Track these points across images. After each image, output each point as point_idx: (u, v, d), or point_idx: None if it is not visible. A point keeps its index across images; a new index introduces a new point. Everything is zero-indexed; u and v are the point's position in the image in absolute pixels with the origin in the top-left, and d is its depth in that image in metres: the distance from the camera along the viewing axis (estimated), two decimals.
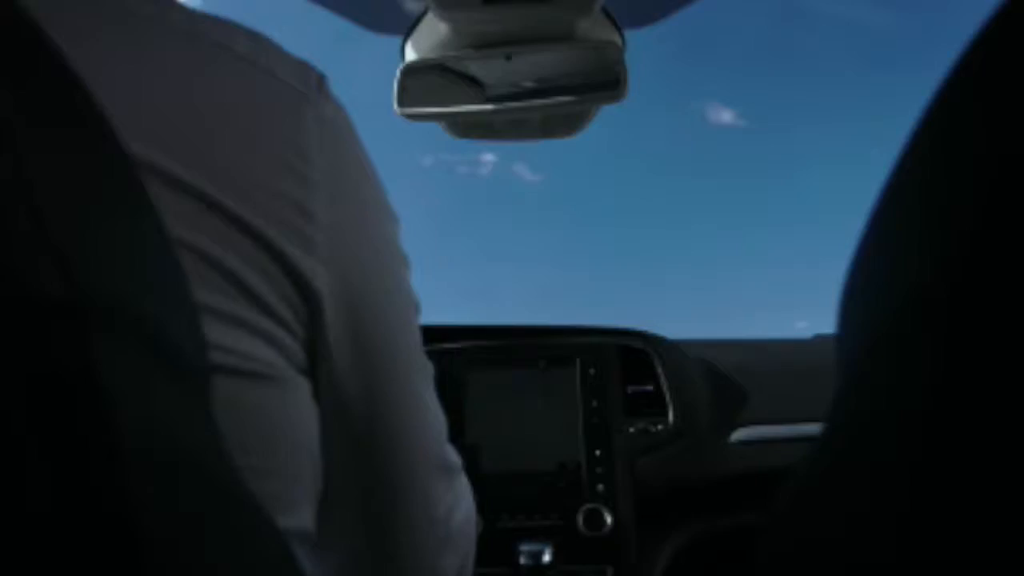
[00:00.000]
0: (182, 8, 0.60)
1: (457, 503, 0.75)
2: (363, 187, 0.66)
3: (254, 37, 0.62)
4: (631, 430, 1.71)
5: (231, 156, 0.56)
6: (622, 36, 1.51)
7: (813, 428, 1.45)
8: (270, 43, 0.63)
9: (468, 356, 1.79)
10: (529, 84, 1.48)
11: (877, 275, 0.33)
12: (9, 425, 0.31)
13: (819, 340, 2.02)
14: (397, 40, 1.57)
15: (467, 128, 1.59)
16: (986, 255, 0.27)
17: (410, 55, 1.52)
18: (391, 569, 0.70)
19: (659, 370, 1.78)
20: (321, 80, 0.64)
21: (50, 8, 0.50)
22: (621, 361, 1.77)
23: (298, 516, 0.61)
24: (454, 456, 0.77)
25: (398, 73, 1.45)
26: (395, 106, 1.45)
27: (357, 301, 0.64)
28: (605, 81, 1.44)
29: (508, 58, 1.44)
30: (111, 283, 0.36)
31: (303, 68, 0.63)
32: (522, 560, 1.53)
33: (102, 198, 0.39)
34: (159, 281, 0.41)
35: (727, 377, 1.85)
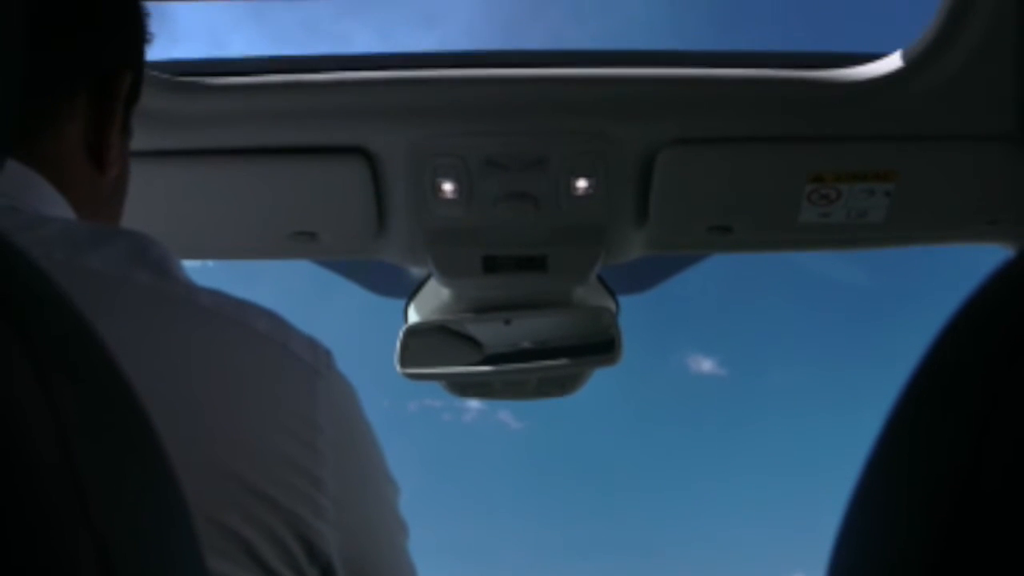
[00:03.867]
0: (208, 291, 0.65)
1: None
2: (368, 457, 0.70)
3: (270, 316, 0.67)
4: None
5: (248, 427, 0.60)
6: (616, 302, 1.59)
7: None
8: (284, 321, 0.68)
9: None
10: (527, 346, 1.54)
11: (861, 555, 0.36)
12: None
13: None
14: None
15: (465, 387, 1.64)
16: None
17: (413, 317, 1.59)
18: None
19: None
20: (329, 356, 0.69)
21: (88, 289, 0.55)
22: None
23: None
24: None
25: (401, 334, 1.51)
26: (397, 366, 1.50)
27: (362, 563, 0.66)
28: (600, 344, 1.50)
29: (507, 322, 1.51)
30: (141, 567, 0.39)
31: (313, 345, 0.68)
32: None
33: (138, 481, 0.41)
34: (180, 558, 0.43)
35: None
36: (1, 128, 0.47)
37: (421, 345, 1.53)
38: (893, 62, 1.19)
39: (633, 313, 1.60)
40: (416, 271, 1.55)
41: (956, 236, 1.46)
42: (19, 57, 0.48)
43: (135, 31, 0.77)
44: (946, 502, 0.31)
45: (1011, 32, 1.10)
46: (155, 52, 0.81)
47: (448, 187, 1.29)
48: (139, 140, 0.81)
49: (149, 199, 0.92)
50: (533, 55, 1.31)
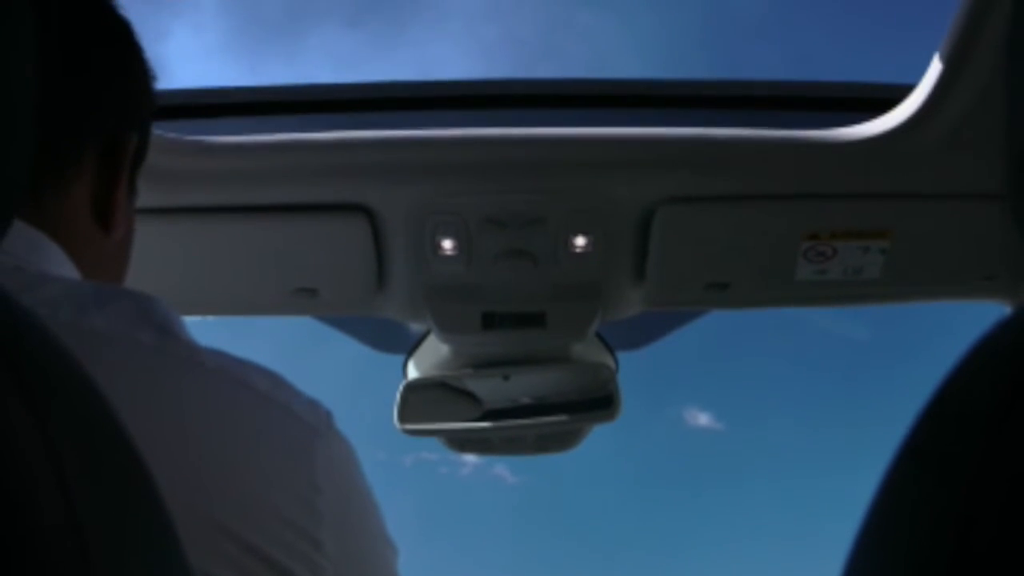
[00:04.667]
0: (210, 351, 0.65)
1: None
2: (367, 519, 0.71)
3: (272, 376, 0.67)
4: None
5: (248, 486, 0.60)
6: (615, 358, 1.59)
7: None
8: (285, 381, 0.68)
9: None
10: (526, 402, 1.54)
11: None
12: None
13: None
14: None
15: (464, 443, 1.64)
16: None
17: (412, 373, 1.59)
18: None
19: None
20: (329, 417, 0.69)
21: (92, 349, 0.56)
22: None
23: None
24: None
25: (400, 389, 1.51)
26: (396, 422, 1.50)
27: None
28: (599, 400, 1.51)
29: (506, 378, 1.51)
30: None
31: (314, 405, 0.69)
32: None
33: (138, 532, 0.42)
34: None
35: None
36: (11, 190, 0.48)
37: (420, 401, 1.53)
38: (886, 123, 1.21)
39: (629, 365, 1.61)
40: (415, 327, 1.56)
41: (953, 293, 1.47)
42: (31, 121, 0.49)
43: (142, 94, 0.79)
44: (942, 559, 0.32)
45: (1002, 92, 1.12)
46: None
47: (448, 244, 1.30)
48: (142, 198, 0.82)
49: (151, 256, 0.93)
50: (523, 95, 1.34)
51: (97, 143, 0.73)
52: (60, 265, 0.68)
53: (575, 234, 1.29)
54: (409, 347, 1.59)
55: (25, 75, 0.47)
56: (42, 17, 0.55)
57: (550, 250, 1.32)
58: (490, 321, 1.39)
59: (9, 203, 0.48)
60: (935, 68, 1.13)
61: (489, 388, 1.54)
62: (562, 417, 1.52)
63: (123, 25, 0.77)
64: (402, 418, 1.51)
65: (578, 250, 1.31)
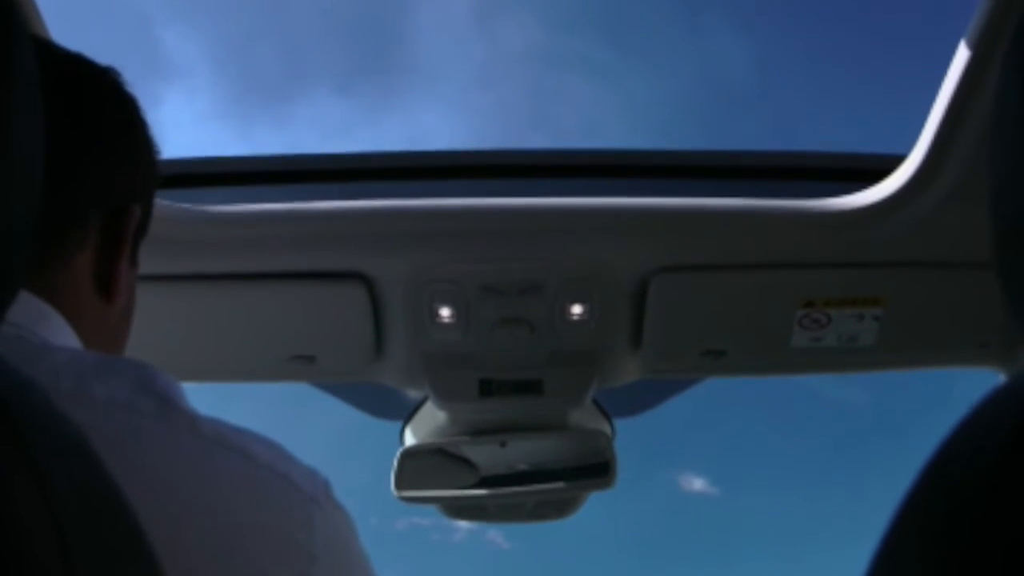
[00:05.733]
0: (210, 420, 0.66)
1: None
2: None
3: (271, 445, 0.68)
4: None
5: (244, 554, 0.60)
6: (612, 425, 1.59)
7: None
8: (283, 450, 0.69)
9: None
10: (523, 469, 1.54)
11: None
12: None
13: None
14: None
15: (461, 510, 1.63)
16: None
17: (409, 439, 1.59)
18: None
19: None
20: (327, 486, 0.70)
21: (94, 418, 0.56)
22: None
23: None
24: None
25: (398, 456, 1.51)
26: (393, 489, 1.49)
27: None
28: (595, 467, 1.50)
29: (503, 445, 1.51)
30: None
31: (313, 475, 0.69)
32: None
33: None
34: None
35: None
36: (17, 263, 0.49)
37: (418, 468, 1.52)
38: (878, 192, 1.23)
39: (623, 429, 1.61)
40: (412, 393, 1.56)
41: (947, 360, 1.48)
42: (37, 194, 0.50)
43: (147, 168, 0.80)
44: None
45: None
46: None
47: (445, 312, 1.31)
48: (142, 265, 0.83)
49: (149, 322, 0.93)
50: (514, 166, 1.36)
51: (101, 214, 0.74)
52: (62, 334, 0.69)
53: (571, 302, 1.31)
54: (406, 414, 1.59)
55: (32, 148, 0.49)
56: (50, 90, 0.56)
57: (547, 318, 1.33)
58: (487, 388, 1.40)
59: (15, 276, 0.49)
60: (925, 138, 1.15)
61: (486, 455, 1.54)
62: (559, 484, 1.52)
63: (130, 101, 0.79)
64: (399, 485, 1.50)
65: (575, 318, 1.32)
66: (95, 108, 0.75)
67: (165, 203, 1.19)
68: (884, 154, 1.32)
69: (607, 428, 1.58)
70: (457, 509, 1.63)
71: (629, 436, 1.61)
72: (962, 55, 1.06)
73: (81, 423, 0.47)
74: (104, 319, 0.75)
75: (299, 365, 1.41)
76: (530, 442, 1.52)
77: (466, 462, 1.55)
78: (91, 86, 0.76)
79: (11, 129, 0.46)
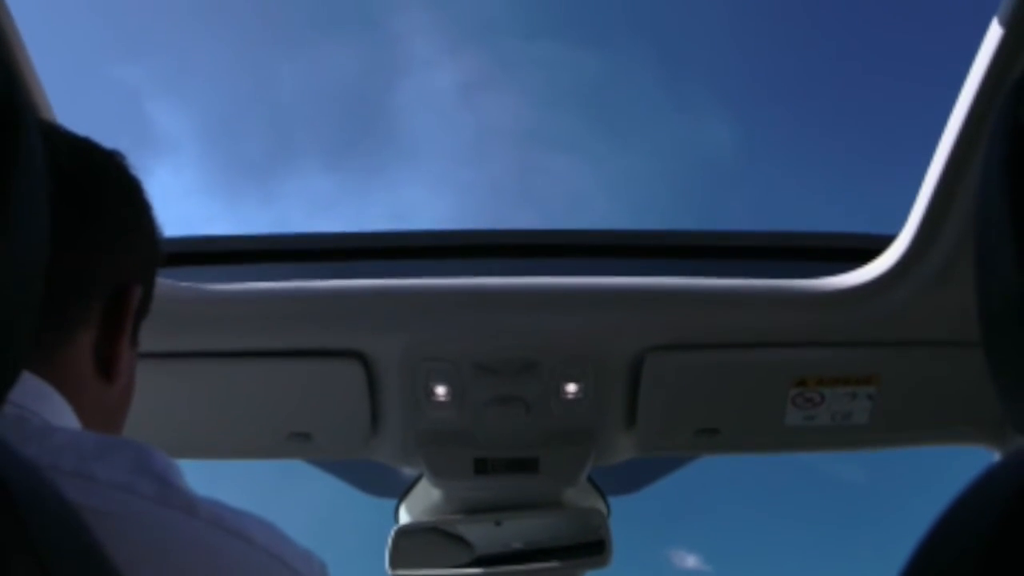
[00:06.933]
0: (207, 501, 0.67)
1: None
2: None
3: (268, 527, 0.69)
4: None
5: None
6: (607, 503, 1.59)
7: None
8: (280, 532, 0.69)
9: None
10: (518, 547, 1.53)
11: None
12: None
13: None
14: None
15: None
16: None
17: (404, 517, 1.58)
18: None
19: None
20: (323, 569, 0.71)
21: (93, 499, 0.57)
22: None
23: None
24: None
25: (392, 534, 1.50)
26: (388, 567, 1.48)
27: None
28: (590, 545, 1.49)
29: (498, 523, 1.50)
30: None
31: (309, 557, 0.70)
32: None
33: None
34: None
35: None
36: (19, 347, 0.50)
37: (412, 546, 1.51)
38: (868, 272, 1.25)
39: (616, 505, 1.60)
40: (407, 470, 1.56)
41: (940, 438, 1.48)
42: (40, 278, 0.52)
43: (150, 249, 0.82)
44: None
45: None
46: None
47: (441, 390, 1.32)
48: (141, 342, 0.84)
49: (145, 400, 0.94)
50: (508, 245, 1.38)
51: (103, 294, 0.75)
52: (62, 414, 0.70)
53: (566, 381, 1.31)
54: (400, 491, 1.59)
55: (36, 235, 0.50)
56: (56, 174, 0.58)
57: (542, 396, 1.33)
58: (482, 466, 1.40)
59: (17, 359, 0.50)
60: (914, 218, 1.17)
61: (481, 533, 1.53)
62: (554, 563, 1.51)
63: (135, 184, 0.81)
64: (393, 564, 1.49)
65: (569, 396, 1.33)
66: (100, 191, 0.77)
67: (163, 281, 1.21)
68: (874, 234, 1.34)
69: (602, 506, 1.57)
70: None
71: (619, 510, 1.61)
72: (950, 135, 1.08)
73: (82, 504, 0.48)
74: (104, 399, 0.76)
75: (295, 442, 1.41)
76: (525, 521, 1.52)
77: (461, 541, 1.54)
78: (97, 169, 0.78)
79: (16, 215, 0.47)
